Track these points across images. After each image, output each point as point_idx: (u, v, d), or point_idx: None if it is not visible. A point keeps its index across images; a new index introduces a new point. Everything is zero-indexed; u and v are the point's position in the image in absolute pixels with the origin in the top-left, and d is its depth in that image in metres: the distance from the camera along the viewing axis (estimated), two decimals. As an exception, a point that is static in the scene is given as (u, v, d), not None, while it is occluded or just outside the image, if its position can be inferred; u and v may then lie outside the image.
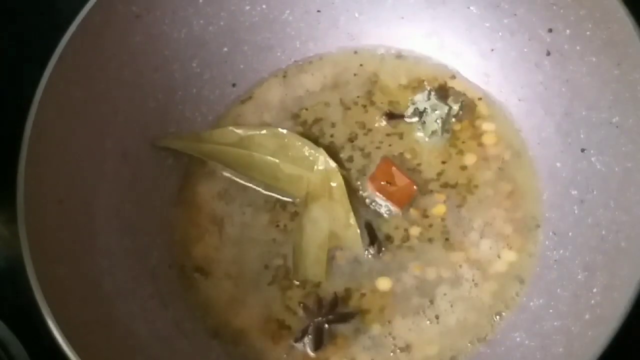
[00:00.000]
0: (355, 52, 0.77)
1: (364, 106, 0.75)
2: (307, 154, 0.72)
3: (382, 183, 0.70)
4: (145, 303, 0.66)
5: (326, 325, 0.66)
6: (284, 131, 0.73)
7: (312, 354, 0.65)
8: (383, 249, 0.68)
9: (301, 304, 0.67)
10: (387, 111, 0.74)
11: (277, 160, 0.72)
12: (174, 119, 0.74)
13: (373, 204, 0.70)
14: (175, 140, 0.73)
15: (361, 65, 0.76)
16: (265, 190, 0.72)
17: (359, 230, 0.69)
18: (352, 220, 0.69)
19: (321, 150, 0.71)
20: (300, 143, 0.72)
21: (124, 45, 0.69)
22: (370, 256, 0.68)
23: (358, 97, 0.75)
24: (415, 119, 0.73)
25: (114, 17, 0.68)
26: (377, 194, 0.70)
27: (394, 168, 0.71)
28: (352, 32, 0.76)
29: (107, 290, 0.64)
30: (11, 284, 0.71)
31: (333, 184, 0.70)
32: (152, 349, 0.63)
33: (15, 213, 0.60)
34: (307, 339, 0.66)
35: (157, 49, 0.72)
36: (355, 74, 0.76)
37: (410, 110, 0.73)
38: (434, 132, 0.72)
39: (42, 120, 0.63)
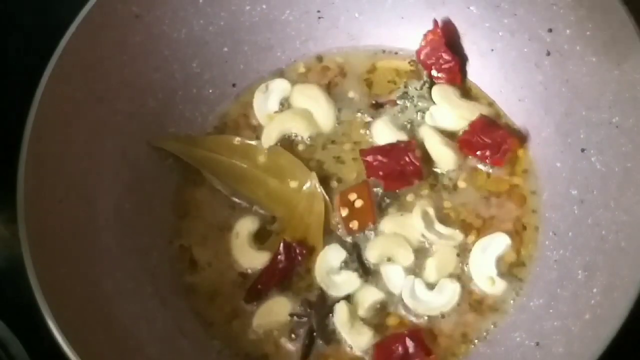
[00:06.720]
0: (355, 52, 0.77)
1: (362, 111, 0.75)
2: (297, 175, 0.71)
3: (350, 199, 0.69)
4: (145, 303, 0.66)
5: (329, 316, 0.66)
6: (279, 148, 0.72)
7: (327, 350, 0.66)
8: (369, 276, 0.68)
9: (294, 316, 0.66)
10: (373, 102, 0.74)
11: (264, 174, 0.72)
12: (174, 119, 0.74)
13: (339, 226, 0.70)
14: (171, 142, 0.73)
15: (361, 65, 0.76)
16: (249, 204, 0.71)
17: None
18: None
19: (313, 174, 0.70)
20: (292, 163, 0.71)
21: (124, 45, 0.69)
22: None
23: (356, 96, 0.75)
24: (401, 102, 0.73)
25: (114, 17, 0.68)
26: (341, 208, 0.69)
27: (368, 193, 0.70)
28: (352, 32, 0.76)
29: (107, 290, 0.64)
30: (11, 284, 0.71)
31: (314, 209, 0.69)
32: (152, 349, 0.63)
33: (15, 213, 0.60)
34: (316, 339, 0.66)
35: (157, 49, 0.72)
36: (355, 74, 0.76)
37: (400, 92, 0.73)
38: (409, 120, 0.72)
39: (42, 120, 0.63)
